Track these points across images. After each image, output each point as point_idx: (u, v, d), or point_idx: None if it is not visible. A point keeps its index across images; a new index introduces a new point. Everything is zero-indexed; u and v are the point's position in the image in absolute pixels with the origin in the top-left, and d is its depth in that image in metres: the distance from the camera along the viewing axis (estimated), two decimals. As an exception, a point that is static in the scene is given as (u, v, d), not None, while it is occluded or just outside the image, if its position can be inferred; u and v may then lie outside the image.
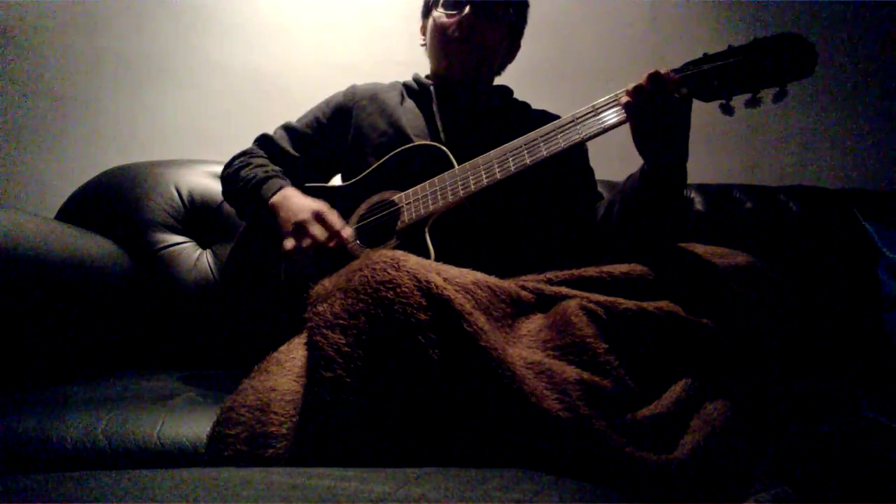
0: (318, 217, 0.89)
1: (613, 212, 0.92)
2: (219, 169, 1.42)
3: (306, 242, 0.88)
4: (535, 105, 1.16)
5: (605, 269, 0.74)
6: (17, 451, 0.68)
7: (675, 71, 0.78)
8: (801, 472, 0.61)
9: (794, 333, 0.68)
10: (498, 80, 1.16)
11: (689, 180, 1.52)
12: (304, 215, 0.89)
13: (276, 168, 1.07)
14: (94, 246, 1.15)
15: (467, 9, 1.01)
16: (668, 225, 0.87)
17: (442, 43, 1.06)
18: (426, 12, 1.12)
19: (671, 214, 0.86)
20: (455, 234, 0.90)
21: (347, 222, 0.98)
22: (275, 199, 0.96)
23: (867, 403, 0.97)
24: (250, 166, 1.05)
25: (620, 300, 0.65)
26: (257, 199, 0.98)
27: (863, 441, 0.68)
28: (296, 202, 0.93)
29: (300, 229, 0.89)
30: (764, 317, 0.67)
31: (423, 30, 1.14)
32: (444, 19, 1.04)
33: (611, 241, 0.93)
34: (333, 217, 0.90)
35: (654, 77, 0.74)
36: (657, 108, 0.75)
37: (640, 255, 0.75)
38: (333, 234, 0.88)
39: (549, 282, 0.72)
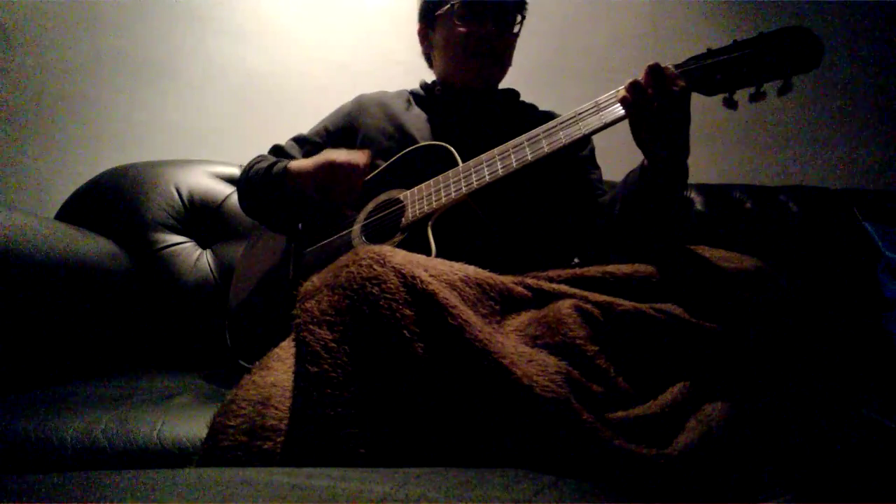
0: (332, 160, 0.94)
1: (615, 209, 0.92)
2: (219, 169, 1.43)
3: (338, 183, 0.94)
4: (541, 105, 1.16)
5: (608, 269, 0.74)
6: (17, 451, 0.68)
7: (677, 65, 0.78)
8: (802, 472, 0.61)
9: (800, 340, 0.68)
10: (504, 81, 1.16)
11: (690, 180, 1.53)
12: (322, 158, 0.95)
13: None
14: (94, 246, 1.15)
15: (489, 23, 1.00)
16: (668, 223, 0.86)
17: (463, 54, 1.04)
18: (428, 17, 1.09)
19: (671, 212, 0.86)
20: (458, 230, 0.90)
21: (355, 220, 1.00)
22: (291, 165, 1.00)
23: (867, 403, 0.97)
24: (261, 162, 1.08)
25: (619, 301, 0.65)
26: (273, 176, 1.01)
27: (863, 441, 0.68)
28: (305, 165, 0.98)
29: (325, 181, 0.94)
30: (770, 322, 0.67)
31: (424, 35, 1.12)
32: (465, 29, 1.02)
33: (613, 239, 0.93)
34: (344, 156, 0.95)
35: (653, 70, 0.74)
36: (655, 103, 0.74)
37: (645, 256, 0.75)
38: (358, 161, 0.93)
39: (550, 279, 0.72)
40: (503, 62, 1.07)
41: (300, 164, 0.99)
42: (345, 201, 0.96)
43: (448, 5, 1.04)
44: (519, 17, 1.06)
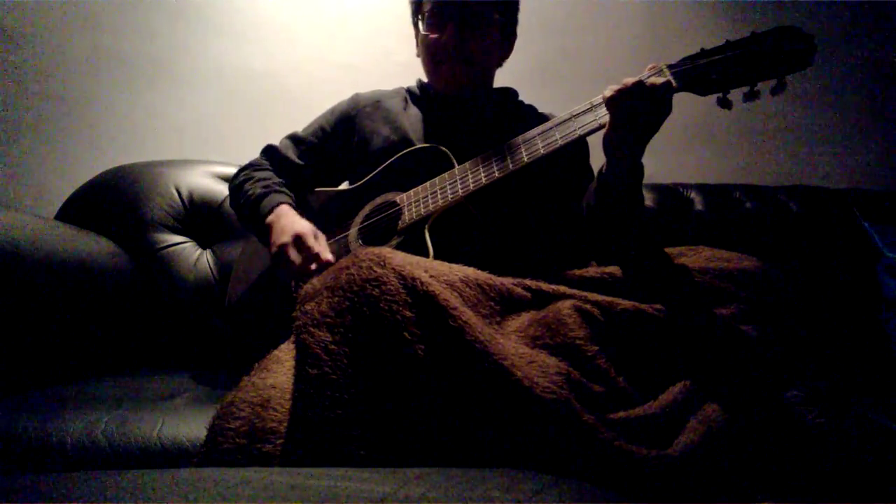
0: (298, 241, 0.88)
1: (584, 218, 0.93)
2: (219, 169, 1.43)
3: (287, 265, 0.88)
4: (540, 106, 1.16)
5: (608, 270, 0.74)
6: (17, 451, 0.68)
7: (671, 65, 0.78)
8: (802, 473, 0.61)
9: (800, 338, 0.68)
10: (503, 82, 1.16)
11: (689, 180, 1.54)
12: (285, 238, 0.89)
13: (278, 181, 1.07)
14: (94, 246, 1.15)
15: (451, 27, 0.99)
16: (634, 221, 0.88)
17: (431, 62, 1.05)
18: (414, 22, 1.09)
19: (633, 211, 0.87)
20: (455, 232, 0.90)
21: (352, 223, 0.99)
22: (270, 217, 0.97)
23: (867, 403, 0.97)
24: (252, 180, 1.06)
25: (618, 301, 0.65)
26: (256, 216, 1.00)
27: (863, 441, 0.68)
28: (284, 223, 0.93)
29: (281, 253, 0.89)
30: (770, 322, 0.67)
31: (416, 40, 1.12)
32: (430, 38, 1.02)
33: (588, 245, 0.94)
34: (312, 241, 0.88)
35: (636, 84, 0.75)
36: (640, 104, 0.75)
37: (644, 257, 0.75)
38: (312, 257, 0.86)
39: (549, 280, 0.72)
40: (472, 63, 1.03)
41: (276, 219, 0.95)
42: (287, 276, 0.91)
43: (421, 12, 1.04)
44: (497, 17, 1.03)
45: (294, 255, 0.88)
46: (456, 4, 0.99)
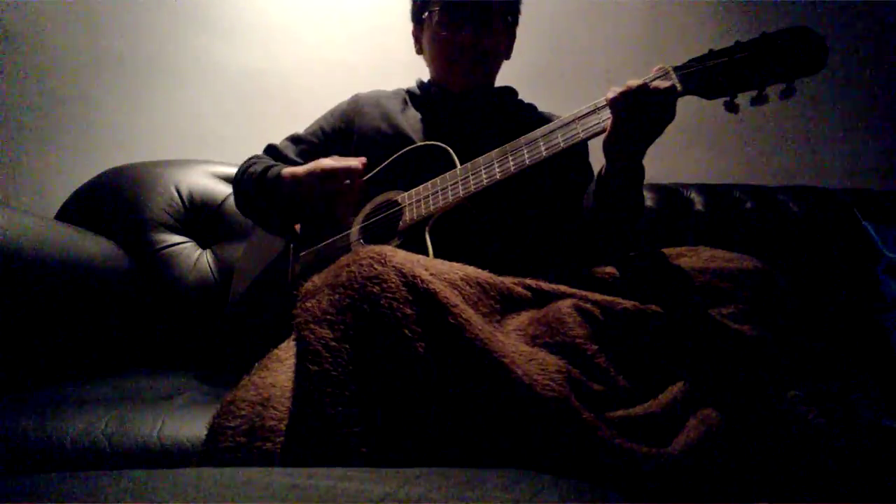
0: (327, 172, 0.93)
1: (584, 219, 0.94)
2: (219, 169, 1.44)
3: (330, 181, 0.93)
4: (540, 106, 1.16)
5: (608, 269, 0.74)
6: (17, 451, 0.68)
7: (677, 68, 0.76)
8: (802, 472, 0.61)
9: (798, 339, 0.68)
10: (504, 80, 1.16)
11: (689, 180, 1.54)
12: (314, 164, 0.94)
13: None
14: (94, 246, 1.15)
15: (468, 27, 1.00)
16: (632, 224, 0.88)
17: (443, 59, 1.05)
18: (418, 19, 1.10)
19: (633, 213, 0.87)
20: (456, 233, 0.90)
21: (353, 221, 0.99)
22: (284, 172, 0.99)
23: (867, 404, 0.97)
24: (256, 164, 1.07)
25: (619, 300, 0.65)
26: (266, 181, 1.00)
27: (863, 441, 0.68)
28: (300, 170, 0.97)
29: (321, 175, 0.93)
30: (769, 322, 0.67)
31: (417, 37, 1.13)
32: (444, 35, 1.03)
33: (588, 246, 0.95)
34: (336, 163, 0.93)
35: (640, 87, 0.74)
36: (644, 108, 0.74)
37: (644, 257, 0.75)
38: (352, 168, 0.92)
39: (550, 280, 0.72)
40: (486, 64, 1.06)
41: (293, 170, 0.98)
42: (343, 206, 0.95)
43: (430, 9, 1.04)
44: (509, 18, 1.06)
45: (333, 179, 0.92)
46: (472, 4, 1.00)
